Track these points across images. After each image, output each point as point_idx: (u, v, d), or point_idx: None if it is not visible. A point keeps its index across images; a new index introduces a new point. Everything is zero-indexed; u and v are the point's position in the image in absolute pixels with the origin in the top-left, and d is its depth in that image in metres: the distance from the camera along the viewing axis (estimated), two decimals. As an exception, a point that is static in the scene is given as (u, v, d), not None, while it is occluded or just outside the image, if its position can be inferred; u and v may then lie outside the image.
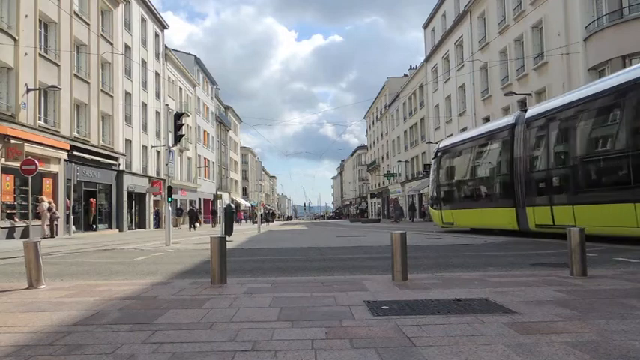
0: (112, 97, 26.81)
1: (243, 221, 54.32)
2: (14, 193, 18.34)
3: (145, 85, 33.51)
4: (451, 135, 27.63)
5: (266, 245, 12.20)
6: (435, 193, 18.93)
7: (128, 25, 30.80)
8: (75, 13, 22.78)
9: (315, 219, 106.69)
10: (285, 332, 2.91)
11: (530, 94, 21.56)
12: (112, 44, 26.94)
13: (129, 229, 29.16)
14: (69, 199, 21.76)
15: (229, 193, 62.96)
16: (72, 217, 22.11)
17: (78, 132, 23.37)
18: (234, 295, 4.21)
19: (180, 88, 42.40)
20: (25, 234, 17.53)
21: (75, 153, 22.09)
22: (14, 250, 10.88)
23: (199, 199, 46.76)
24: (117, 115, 27.50)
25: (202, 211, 45.16)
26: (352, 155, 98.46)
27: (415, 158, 43.18)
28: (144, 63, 33.61)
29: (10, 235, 17.62)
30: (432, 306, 3.59)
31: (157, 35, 36.94)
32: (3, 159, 17.18)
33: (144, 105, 33.40)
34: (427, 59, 39.38)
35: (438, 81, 35.85)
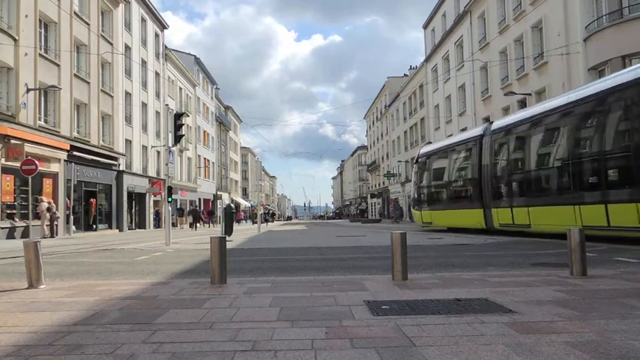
0: (112, 97, 26.81)
1: (243, 221, 54.34)
2: (14, 193, 18.34)
3: (145, 85, 33.51)
4: (451, 135, 27.64)
5: (266, 245, 12.21)
6: (415, 195, 20.92)
7: (128, 25, 30.80)
8: (75, 13, 22.78)
9: (315, 219, 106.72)
10: (285, 332, 2.91)
11: (530, 94, 21.56)
12: (112, 44, 26.94)
13: (129, 229, 29.17)
14: (69, 199, 21.76)
15: (229, 193, 62.97)
16: (72, 217, 22.11)
17: (78, 132, 23.38)
18: (234, 295, 4.21)
19: (180, 88, 42.41)
20: (25, 234, 17.53)
21: (75, 153, 22.10)
22: (14, 250, 10.88)
23: (199, 199, 46.76)
24: (117, 115, 27.50)
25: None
26: (352, 155, 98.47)
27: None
28: (144, 63, 33.62)
29: (11, 235, 17.62)
30: (432, 306, 3.59)
31: (156, 35, 36.95)
32: (3, 159, 17.19)
33: (144, 105, 33.40)
34: (427, 59, 39.39)
35: (438, 81, 35.85)
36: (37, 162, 16.33)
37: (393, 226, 30.08)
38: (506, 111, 24.24)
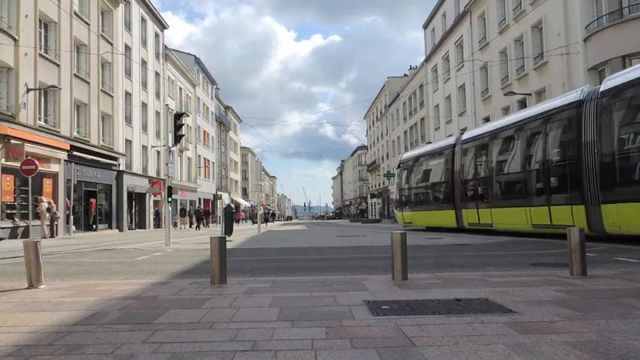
0: (112, 97, 26.81)
1: (242, 221, 54.33)
2: (14, 193, 18.33)
3: (145, 85, 33.51)
4: (451, 135, 27.63)
5: (266, 245, 12.21)
6: (397, 197, 23.08)
7: (128, 25, 30.80)
8: (75, 13, 22.78)
9: (315, 219, 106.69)
10: (285, 332, 2.91)
11: (530, 94, 21.56)
12: (112, 44, 26.94)
13: (129, 229, 29.17)
14: (69, 199, 21.76)
15: (229, 193, 62.97)
16: (72, 217, 22.11)
17: (78, 132, 23.37)
18: (234, 295, 4.21)
19: (180, 88, 42.41)
20: (25, 234, 17.53)
21: (75, 153, 22.09)
22: (14, 250, 10.88)
23: (199, 199, 46.76)
24: (117, 115, 27.50)
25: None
26: (352, 155, 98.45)
27: (415, 158, 43.13)
28: (144, 63, 33.61)
29: (13, 235, 17.61)
30: (432, 306, 3.59)
31: (156, 35, 36.94)
32: (3, 159, 17.18)
33: (144, 105, 33.40)
34: (427, 59, 39.38)
35: (438, 81, 35.85)
36: (37, 162, 16.33)
37: (393, 226, 30.02)
38: (506, 111, 24.24)
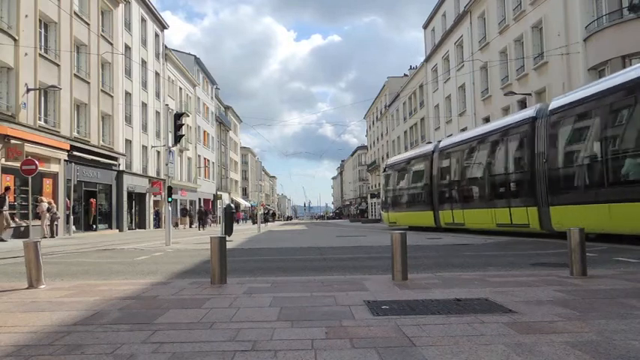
0: (112, 97, 26.81)
1: (242, 221, 54.32)
2: (14, 193, 18.32)
3: (145, 85, 33.51)
4: (451, 134, 27.65)
5: (266, 245, 12.21)
6: (383, 199, 24.90)
7: (128, 25, 30.80)
8: (75, 13, 22.78)
9: (315, 219, 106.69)
10: (285, 332, 2.91)
11: (530, 94, 21.56)
12: (112, 44, 26.94)
13: (129, 229, 29.17)
14: (69, 199, 21.76)
15: (229, 193, 62.98)
16: (72, 217, 22.11)
17: (78, 132, 23.37)
18: (234, 295, 4.21)
19: (180, 88, 42.41)
20: (25, 234, 17.53)
21: (75, 153, 22.09)
22: (14, 250, 10.88)
23: (199, 199, 46.76)
24: (117, 115, 27.50)
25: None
26: (352, 155, 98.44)
27: (415, 158, 43.12)
28: (144, 63, 33.61)
29: (16, 235, 17.59)
30: (432, 306, 3.59)
31: (156, 35, 36.94)
32: (3, 159, 17.18)
33: (144, 105, 33.40)
34: (427, 59, 39.38)
35: (438, 81, 35.84)
36: (37, 162, 16.32)
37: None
38: (506, 111, 24.24)
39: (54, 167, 20.79)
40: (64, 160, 21.46)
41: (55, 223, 19.53)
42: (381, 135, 61.20)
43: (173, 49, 41.53)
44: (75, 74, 22.66)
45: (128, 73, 30.34)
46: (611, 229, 9.87)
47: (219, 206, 49.52)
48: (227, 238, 6.21)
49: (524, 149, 12.89)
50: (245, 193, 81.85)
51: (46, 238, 17.97)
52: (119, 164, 27.91)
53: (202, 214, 32.03)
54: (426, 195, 19.17)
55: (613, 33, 16.27)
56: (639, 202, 8.87)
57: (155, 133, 35.43)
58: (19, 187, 18.40)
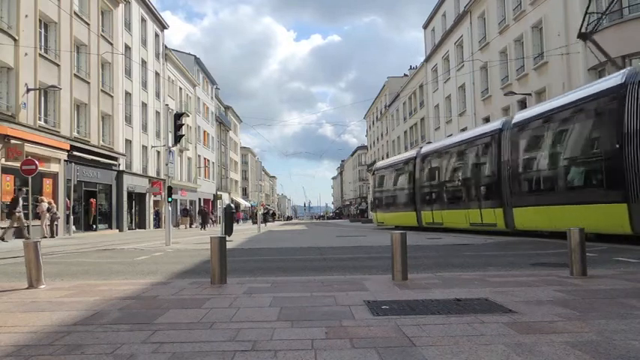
0: (112, 97, 26.81)
1: (242, 221, 54.30)
2: (14, 193, 18.31)
3: (145, 85, 33.51)
4: (451, 135, 27.67)
5: (266, 245, 12.21)
6: (372, 200, 26.79)
7: (128, 25, 30.80)
8: (75, 13, 22.78)
9: (316, 219, 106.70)
10: (285, 332, 2.91)
11: (530, 94, 21.56)
12: (112, 44, 26.94)
13: (129, 229, 29.17)
14: (69, 199, 21.76)
15: (229, 193, 62.97)
16: (72, 217, 22.11)
17: (78, 132, 23.37)
18: (234, 295, 4.21)
19: (180, 88, 42.40)
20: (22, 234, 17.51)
21: (75, 153, 22.09)
22: (14, 250, 10.88)
23: (199, 199, 46.76)
24: (117, 115, 27.50)
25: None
26: (352, 155, 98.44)
27: (415, 158, 43.10)
28: (144, 63, 33.61)
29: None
30: (432, 306, 3.59)
31: (156, 35, 36.94)
32: (3, 159, 17.18)
33: (144, 105, 33.40)
34: (427, 59, 39.38)
35: (438, 81, 35.84)
36: (37, 162, 16.32)
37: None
38: (506, 111, 24.24)
39: (54, 167, 20.78)
40: (64, 160, 21.45)
41: (55, 223, 19.53)
42: (381, 135, 61.19)
43: (173, 49, 41.53)
44: (75, 74, 22.65)
45: (128, 73, 30.34)
46: (562, 228, 10.15)
47: (219, 206, 49.52)
48: (227, 238, 6.21)
49: (492, 157, 14.42)
50: (245, 193, 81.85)
51: (46, 238, 17.95)
52: (119, 164, 27.91)
53: (204, 214, 32.11)
54: (409, 197, 20.68)
55: (613, 33, 16.27)
56: (583, 204, 10.34)
57: (155, 133, 35.43)
58: (19, 187, 18.39)
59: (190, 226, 35.03)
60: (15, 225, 16.38)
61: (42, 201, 18.85)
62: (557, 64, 19.72)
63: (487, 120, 25.49)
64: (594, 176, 10.50)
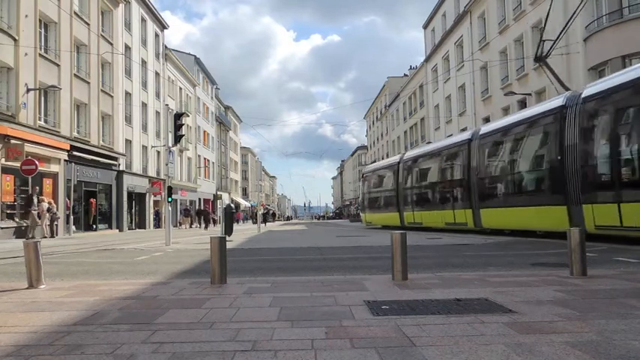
0: (112, 97, 26.80)
1: (242, 221, 54.29)
2: (14, 193, 18.33)
3: (145, 85, 33.50)
4: (451, 135, 27.69)
5: (266, 245, 12.21)
6: (361, 202, 29.20)
7: (128, 25, 30.79)
8: (75, 13, 22.77)
9: (317, 219, 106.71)
10: (285, 332, 2.91)
11: (530, 94, 21.56)
12: (112, 44, 26.94)
13: (129, 229, 29.17)
14: (69, 199, 21.75)
15: (229, 193, 62.96)
16: (72, 217, 22.11)
17: (78, 132, 23.37)
18: (234, 295, 4.21)
19: (180, 88, 42.40)
20: (24, 234, 17.52)
21: (75, 153, 22.09)
22: (14, 250, 10.87)
23: (199, 199, 46.75)
24: (117, 115, 27.49)
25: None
26: (352, 155, 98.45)
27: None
28: (144, 63, 33.61)
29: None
30: (432, 306, 3.59)
31: (156, 35, 36.93)
32: (3, 159, 17.18)
33: (144, 105, 33.39)
34: (427, 59, 39.38)
35: (438, 81, 35.84)
36: (37, 162, 16.33)
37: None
38: (506, 111, 24.24)
39: (54, 167, 20.78)
40: (64, 160, 21.45)
41: (55, 223, 19.52)
42: (381, 135, 61.18)
43: (173, 49, 41.52)
44: (75, 74, 22.65)
45: (128, 73, 30.34)
46: (519, 227, 13.24)
47: (219, 206, 49.51)
48: (227, 238, 6.21)
49: (463, 164, 16.14)
50: (245, 193, 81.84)
51: (46, 238, 17.95)
52: (119, 164, 27.90)
53: (206, 214, 32.24)
54: (393, 199, 22.46)
55: (613, 33, 16.28)
56: (534, 206, 12.12)
57: (155, 133, 35.42)
58: (19, 187, 18.40)
59: (191, 226, 35.01)
60: (37, 222, 16.59)
61: (42, 201, 18.82)
62: (557, 64, 19.69)
63: (487, 120, 25.49)
64: (542, 183, 12.42)
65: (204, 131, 50.12)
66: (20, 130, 17.91)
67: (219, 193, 55.65)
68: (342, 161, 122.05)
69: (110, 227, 26.91)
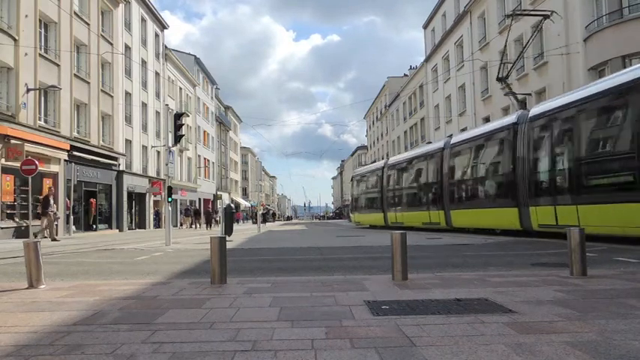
0: (112, 97, 26.80)
1: (242, 221, 54.28)
2: (14, 193, 18.33)
3: (145, 85, 33.50)
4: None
5: (266, 245, 12.21)
6: (351, 203, 32.61)
7: (128, 25, 30.79)
8: (75, 13, 22.77)
9: (318, 219, 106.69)
10: (285, 332, 2.91)
11: (530, 94, 21.53)
12: (112, 44, 26.94)
13: (129, 229, 29.17)
14: (69, 199, 21.75)
15: (229, 193, 62.95)
16: (72, 217, 22.10)
17: (78, 132, 23.37)
18: (234, 295, 4.21)
19: (180, 88, 42.39)
20: (24, 234, 17.52)
21: (75, 153, 22.09)
22: (14, 250, 10.87)
23: (199, 199, 46.73)
24: (117, 115, 27.50)
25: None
26: (352, 155, 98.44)
27: (415, 158, 43.09)
28: (144, 63, 33.60)
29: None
30: (432, 306, 3.59)
31: (156, 35, 36.93)
32: (3, 159, 17.18)
33: (144, 105, 33.39)
34: (427, 59, 39.36)
35: (438, 81, 35.82)
36: (37, 162, 16.30)
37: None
38: (506, 111, 24.21)
39: (54, 167, 20.78)
40: (64, 160, 21.45)
41: (55, 223, 19.49)
42: (381, 135, 61.15)
43: (173, 49, 41.51)
44: (75, 74, 22.65)
45: (128, 73, 30.34)
46: (481, 226, 15.15)
47: (219, 206, 49.51)
48: (227, 238, 6.21)
49: (436, 170, 17.83)
50: (245, 193, 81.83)
51: (46, 238, 17.94)
52: (119, 164, 27.90)
53: (208, 214, 32.29)
54: (378, 201, 24.40)
55: (613, 33, 16.27)
56: (492, 208, 14.19)
57: (155, 133, 35.42)
58: (19, 187, 18.40)
59: (191, 226, 34.98)
60: (55, 223, 16.67)
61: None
62: (557, 64, 19.71)
63: (487, 120, 25.47)
64: (499, 188, 14.34)
65: (204, 131, 50.11)
66: (20, 130, 17.91)
67: (219, 193, 55.63)
68: (342, 161, 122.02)
69: (110, 227, 26.91)
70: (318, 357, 2.40)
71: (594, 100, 10.28)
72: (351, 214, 32.82)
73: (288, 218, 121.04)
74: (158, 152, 35.53)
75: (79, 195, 23.64)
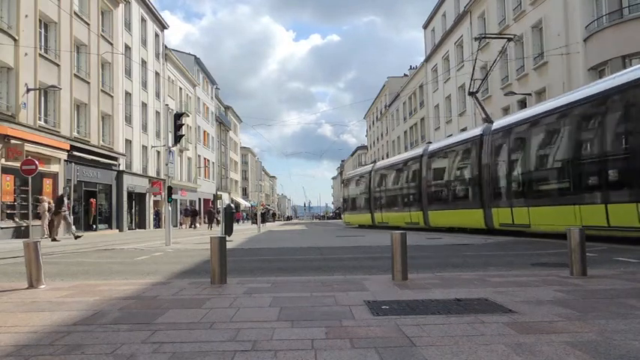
0: (112, 97, 26.81)
1: (242, 221, 54.27)
2: (14, 193, 18.33)
3: (145, 85, 33.50)
4: (449, 136, 27.70)
5: (266, 245, 12.21)
6: (342, 204, 34.65)
7: (128, 25, 30.79)
8: (75, 13, 22.78)
9: (318, 219, 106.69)
10: (285, 332, 2.91)
11: (530, 94, 21.55)
12: (112, 44, 26.94)
13: (129, 229, 29.17)
14: (69, 199, 21.73)
15: (229, 193, 62.95)
16: (72, 217, 22.07)
17: (78, 132, 23.37)
18: (234, 295, 4.21)
19: (180, 88, 42.39)
20: (25, 234, 17.52)
21: (75, 153, 22.09)
22: (14, 250, 10.87)
23: (199, 199, 46.73)
24: (117, 115, 27.50)
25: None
26: (352, 155, 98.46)
27: (415, 158, 43.07)
28: (144, 63, 33.61)
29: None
30: (432, 306, 3.59)
31: (156, 35, 36.94)
32: (3, 159, 17.18)
33: (144, 105, 33.39)
34: (427, 59, 39.36)
35: (438, 81, 35.82)
36: (37, 162, 16.31)
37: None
38: (506, 111, 24.23)
39: (54, 167, 20.79)
40: (64, 160, 21.45)
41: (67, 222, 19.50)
42: (381, 135, 61.14)
43: (173, 49, 41.51)
44: (75, 74, 22.66)
45: (128, 73, 30.34)
46: (453, 225, 16.59)
47: (219, 206, 49.51)
48: (227, 238, 6.21)
49: (416, 175, 19.45)
50: (245, 193, 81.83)
51: (46, 238, 17.95)
52: (119, 164, 27.90)
53: (211, 213, 32.38)
54: (366, 202, 26.07)
55: (613, 33, 16.27)
56: (462, 209, 15.85)
57: (155, 133, 35.42)
58: (19, 187, 18.40)
59: (191, 227, 34.97)
60: (63, 223, 16.68)
61: (43, 201, 18.82)
62: (557, 64, 19.71)
63: (487, 120, 25.48)
64: (467, 192, 15.97)
65: (204, 131, 50.11)
66: (20, 130, 17.92)
67: (219, 193, 55.62)
68: (342, 161, 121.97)
69: (110, 227, 26.92)
70: (318, 357, 2.40)
71: (543, 117, 11.82)
72: (342, 215, 35.10)
73: (288, 218, 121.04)
74: (158, 152, 35.53)
75: (79, 195, 23.64)
